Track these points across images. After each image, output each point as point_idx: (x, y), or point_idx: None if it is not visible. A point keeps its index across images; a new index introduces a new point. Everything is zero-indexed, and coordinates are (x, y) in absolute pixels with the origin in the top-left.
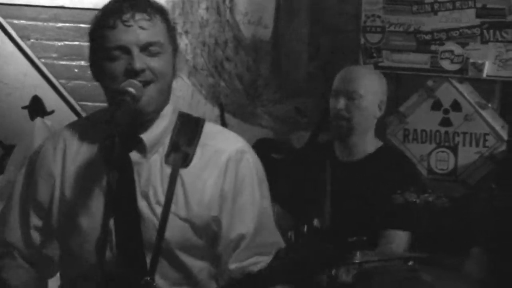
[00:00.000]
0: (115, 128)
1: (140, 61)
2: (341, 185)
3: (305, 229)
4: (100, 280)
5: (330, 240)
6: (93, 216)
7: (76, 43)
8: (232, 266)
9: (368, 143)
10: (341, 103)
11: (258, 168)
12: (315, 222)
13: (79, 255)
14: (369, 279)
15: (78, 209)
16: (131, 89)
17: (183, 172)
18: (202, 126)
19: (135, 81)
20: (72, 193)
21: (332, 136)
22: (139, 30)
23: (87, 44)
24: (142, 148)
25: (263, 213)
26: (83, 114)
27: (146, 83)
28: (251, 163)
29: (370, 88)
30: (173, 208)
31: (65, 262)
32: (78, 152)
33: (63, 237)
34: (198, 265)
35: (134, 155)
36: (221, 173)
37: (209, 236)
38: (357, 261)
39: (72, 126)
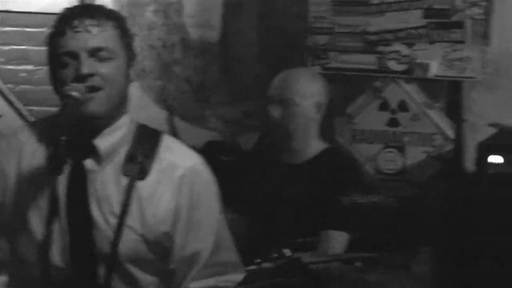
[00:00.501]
0: (57, 131)
1: (87, 66)
2: (286, 188)
3: (276, 256)
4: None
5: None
6: (43, 220)
7: (23, 47)
8: (192, 285)
9: (311, 146)
10: (276, 111)
11: (213, 185)
12: (286, 251)
13: (28, 258)
14: (316, 281)
15: (29, 211)
16: (73, 93)
17: (139, 184)
18: (160, 139)
19: (78, 85)
20: (25, 195)
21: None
22: (87, 35)
23: (34, 48)
24: (96, 156)
25: (221, 231)
26: (31, 119)
27: (94, 89)
28: (206, 179)
29: (305, 92)
30: (127, 220)
31: (15, 264)
32: (34, 154)
33: (13, 238)
34: (147, 279)
35: (88, 163)
36: (176, 188)
37: (161, 251)
38: (305, 262)
39: (29, 127)
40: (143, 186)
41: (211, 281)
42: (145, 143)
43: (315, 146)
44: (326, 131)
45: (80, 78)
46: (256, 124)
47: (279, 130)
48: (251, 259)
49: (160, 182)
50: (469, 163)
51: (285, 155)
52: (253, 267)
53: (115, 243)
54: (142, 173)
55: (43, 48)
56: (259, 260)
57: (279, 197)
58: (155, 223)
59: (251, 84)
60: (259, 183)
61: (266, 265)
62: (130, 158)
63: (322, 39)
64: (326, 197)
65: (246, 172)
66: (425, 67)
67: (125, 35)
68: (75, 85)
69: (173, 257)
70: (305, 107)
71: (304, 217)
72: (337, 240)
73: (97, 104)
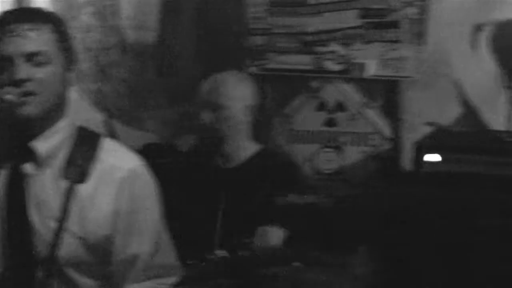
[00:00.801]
0: None
1: (22, 71)
2: (222, 191)
3: (210, 257)
4: None
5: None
6: None
7: None
8: (131, 287)
9: (244, 149)
10: (207, 116)
11: (153, 187)
12: (220, 252)
13: None
14: (251, 281)
15: None
16: (7, 96)
17: (79, 187)
18: (100, 142)
19: (13, 88)
20: None
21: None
22: (23, 40)
23: None
24: (35, 160)
25: (160, 234)
26: None
27: (30, 94)
28: (147, 182)
29: (234, 95)
30: (67, 224)
31: None
32: None
33: None
34: (87, 283)
35: (27, 167)
36: (117, 190)
37: (101, 254)
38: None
39: None
40: (83, 189)
41: (150, 284)
42: (85, 146)
43: (248, 148)
44: (264, 132)
45: (16, 83)
46: (193, 126)
47: (211, 135)
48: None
49: (100, 184)
50: (406, 162)
51: (220, 158)
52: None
53: (54, 247)
54: (82, 176)
55: None
56: (192, 262)
57: (215, 201)
58: (95, 226)
59: (188, 85)
60: (195, 186)
61: (200, 266)
62: (70, 162)
63: (259, 40)
64: (263, 199)
65: (183, 174)
66: (361, 67)
67: (63, 39)
68: (9, 88)
69: (113, 259)
70: (235, 110)
71: (241, 219)
72: (273, 235)
73: (32, 108)
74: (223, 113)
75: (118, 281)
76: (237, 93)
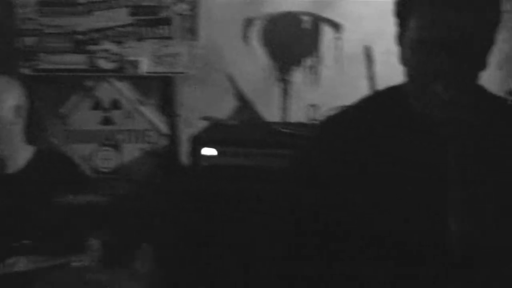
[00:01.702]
0: None
1: None
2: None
3: None
4: None
5: None
6: None
7: None
8: None
9: (20, 153)
10: None
11: None
12: None
13: None
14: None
15: None
16: None
17: None
18: None
19: None
20: None
21: None
22: None
23: None
24: None
25: None
26: None
27: None
28: None
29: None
30: None
31: None
32: None
33: None
34: None
35: None
36: None
37: None
38: (22, 268)
39: None
40: None
41: None
42: None
43: (24, 151)
44: (39, 133)
45: None
46: None
47: None
48: None
49: None
50: (184, 157)
51: None
52: None
53: None
54: None
55: None
56: None
57: None
58: None
59: None
60: None
61: None
62: None
63: (30, 41)
64: (44, 201)
65: None
66: (135, 65)
67: None
68: None
69: None
70: (2, 114)
71: (21, 222)
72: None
73: None
74: None
75: None
76: (3, 96)
